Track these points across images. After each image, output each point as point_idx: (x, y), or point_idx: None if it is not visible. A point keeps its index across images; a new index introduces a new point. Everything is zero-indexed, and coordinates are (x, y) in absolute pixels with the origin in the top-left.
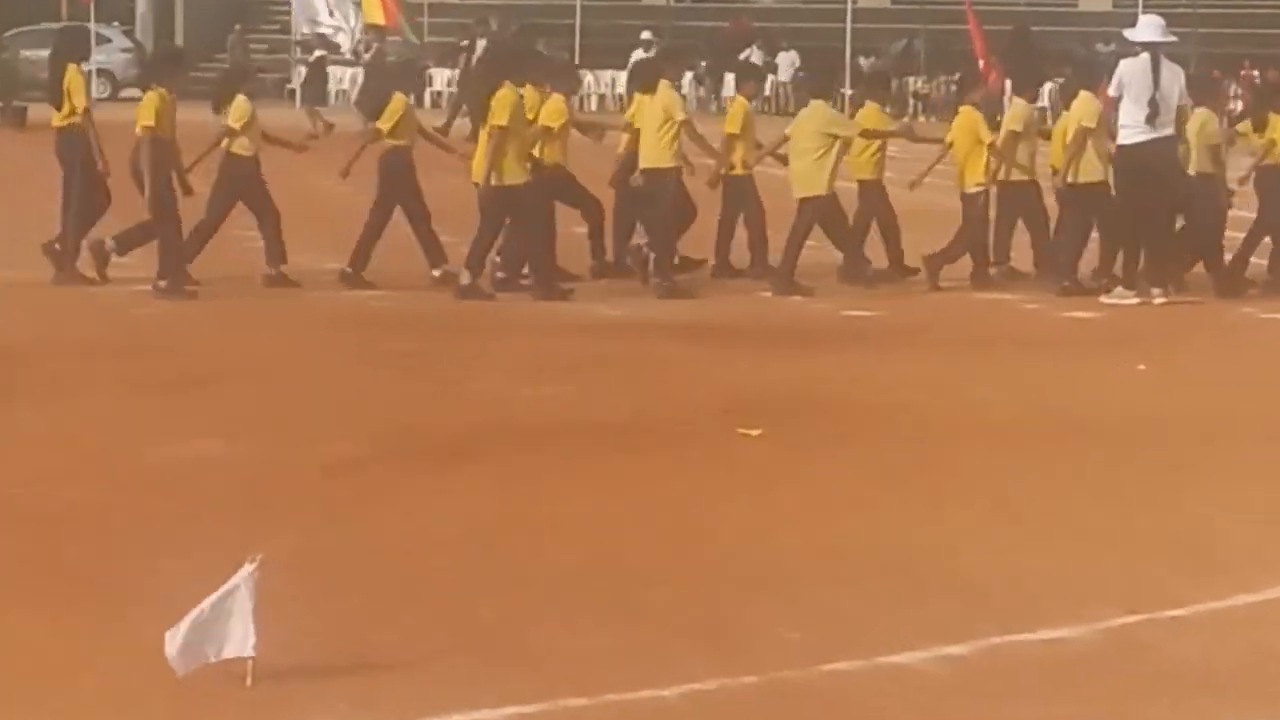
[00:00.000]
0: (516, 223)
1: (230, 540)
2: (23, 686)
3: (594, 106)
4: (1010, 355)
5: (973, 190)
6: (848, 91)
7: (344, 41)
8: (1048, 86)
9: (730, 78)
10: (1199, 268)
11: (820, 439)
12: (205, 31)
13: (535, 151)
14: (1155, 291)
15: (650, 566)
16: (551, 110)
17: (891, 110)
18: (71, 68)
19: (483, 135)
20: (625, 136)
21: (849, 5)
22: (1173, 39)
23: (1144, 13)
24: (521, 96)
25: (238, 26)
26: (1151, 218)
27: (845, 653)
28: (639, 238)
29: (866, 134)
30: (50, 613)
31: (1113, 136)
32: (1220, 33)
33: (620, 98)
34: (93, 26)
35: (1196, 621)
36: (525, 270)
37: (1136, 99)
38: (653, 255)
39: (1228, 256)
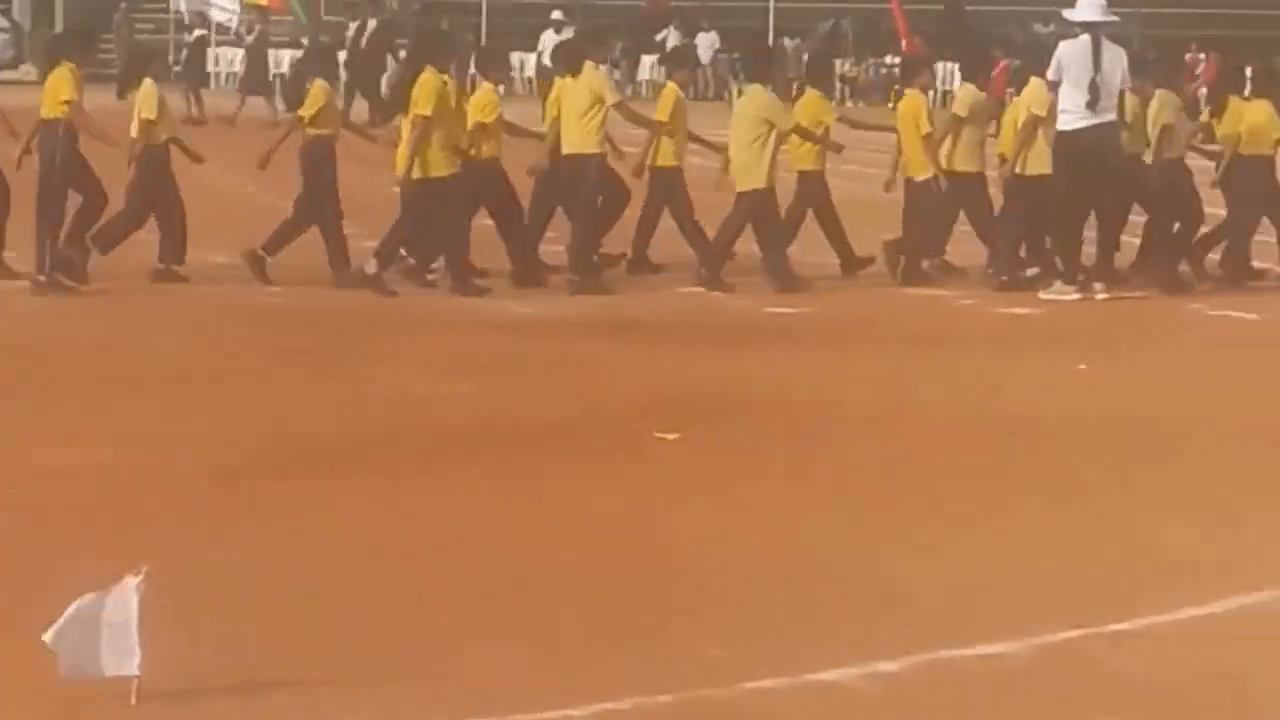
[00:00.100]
0: (438, 216)
1: (114, 553)
2: None
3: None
4: (945, 353)
5: (921, 178)
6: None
7: (228, 21)
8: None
9: (648, 60)
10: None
11: (745, 442)
12: (86, 11)
13: (471, 149)
14: (1098, 286)
15: (563, 581)
16: (485, 103)
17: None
18: None
19: (404, 125)
20: (549, 121)
21: None
22: (1114, 19)
23: None
24: (445, 83)
25: (123, 4)
26: (1097, 208)
27: (770, 669)
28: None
29: (799, 133)
30: None
31: None
32: (1164, 13)
33: (529, 81)
34: None
35: (1141, 635)
36: (434, 265)
37: (1076, 83)
38: (567, 247)
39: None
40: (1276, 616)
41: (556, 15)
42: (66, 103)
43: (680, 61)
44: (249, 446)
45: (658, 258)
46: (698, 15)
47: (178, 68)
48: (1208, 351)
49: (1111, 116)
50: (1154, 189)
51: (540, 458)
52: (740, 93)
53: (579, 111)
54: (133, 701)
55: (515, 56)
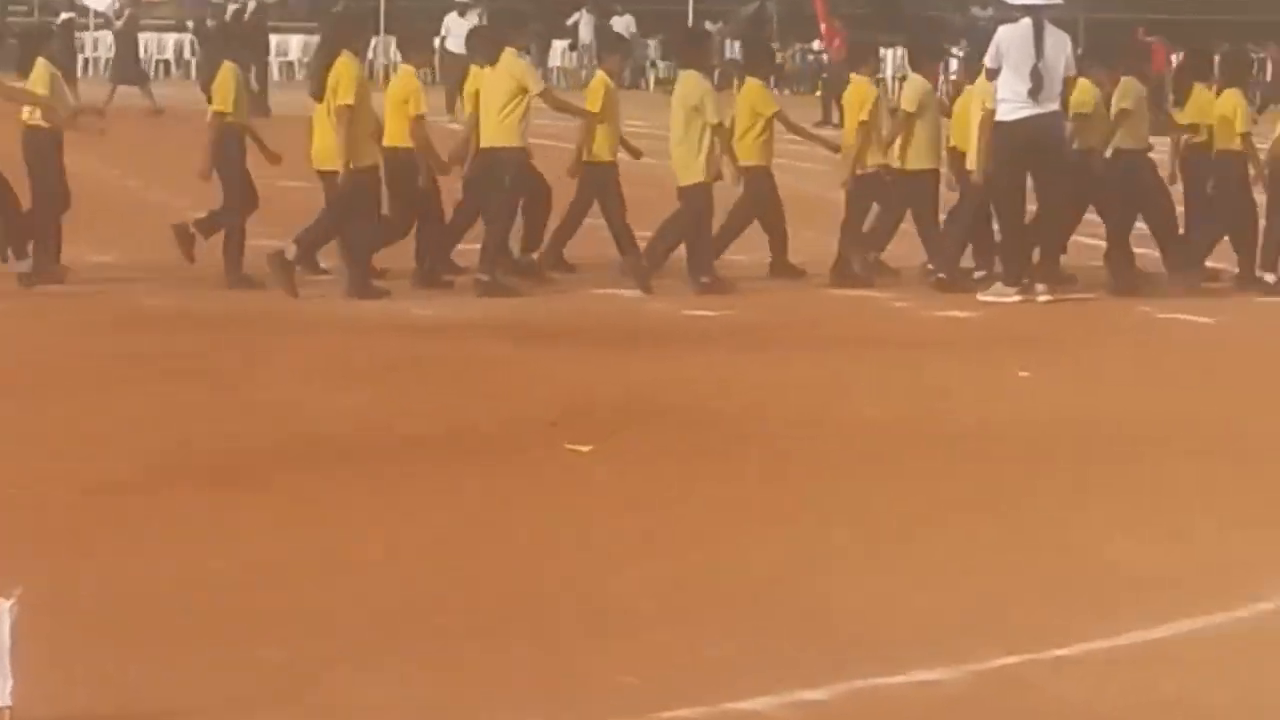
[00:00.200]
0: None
1: None
2: None
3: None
4: (878, 359)
5: (865, 170)
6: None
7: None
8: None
9: (559, 46)
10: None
11: (662, 455)
12: None
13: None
14: (1040, 288)
15: (465, 606)
16: (411, 89)
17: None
18: None
19: (320, 112)
20: (466, 112)
21: None
22: (1057, 2)
23: None
24: (362, 68)
25: None
26: (1040, 203)
27: (688, 699)
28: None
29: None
30: None
31: None
32: None
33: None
34: None
35: (1082, 661)
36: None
37: (1017, 70)
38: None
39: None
40: (1224, 641)
41: None
42: None
43: (612, 47)
44: (126, 461)
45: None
46: None
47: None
48: (1157, 357)
49: (1055, 106)
50: (1111, 183)
51: (440, 472)
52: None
53: (499, 103)
54: None
55: None
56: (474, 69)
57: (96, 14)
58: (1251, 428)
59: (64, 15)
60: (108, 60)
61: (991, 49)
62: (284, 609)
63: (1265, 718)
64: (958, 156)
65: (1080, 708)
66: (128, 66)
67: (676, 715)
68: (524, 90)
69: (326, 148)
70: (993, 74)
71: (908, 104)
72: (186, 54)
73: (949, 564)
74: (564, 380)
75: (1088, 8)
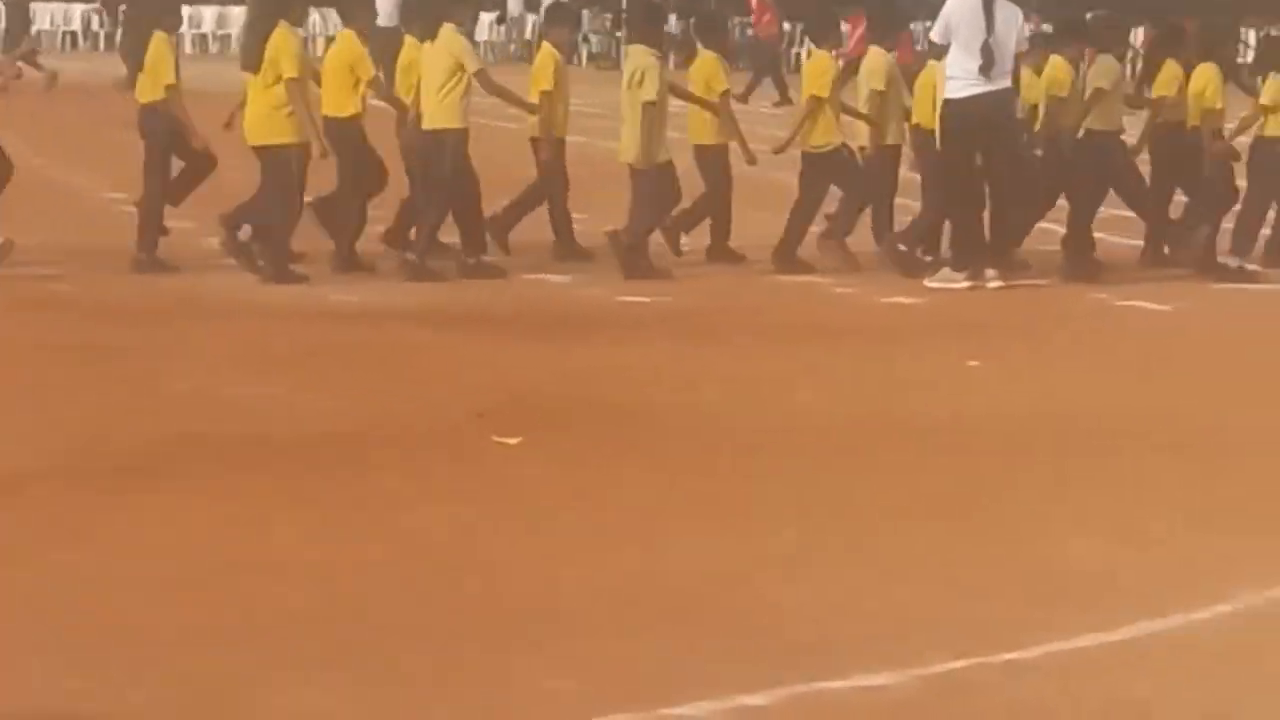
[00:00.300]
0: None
1: None
2: None
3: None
4: (820, 348)
5: (820, 149)
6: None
7: None
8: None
9: (486, 19)
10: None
11: (595, 450)
12: None
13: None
14: (990, 273)
15: (392, 609)
16: (356, 54)
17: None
18: None
19: (255, 85)
20: (408, 89)
21: None
22: None
23: None
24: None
25: None
26: (991, 185)
27: (622, 704)
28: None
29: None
30: None
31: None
32: None
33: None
34: None
35: (1037, 665)
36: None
37: (966, 45)
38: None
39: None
40: (1182, 644)
41: None
42: None
43: (558, 18)
44: (33, 454)
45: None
46: None
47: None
48: (1112, 346)
49: (1006, 83)
50: (1081, 166)
51: (360, 466)
52: (590, 56)
53: (437, 81)
54: None
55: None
56: (409, 41)
57: None
58: (1213, 422)
59: None
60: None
61: (940, 23)
62: (205, 613)
63: None
64: (921, 134)
65: (1034, 713)
66: (17, 36)
67: None
68: (462, 69)
69: (260, 122)
70: (941, 49)
71: (876, 82)
72: (95, 25)
73: (897, 565)
74: (491, 369)
75: None
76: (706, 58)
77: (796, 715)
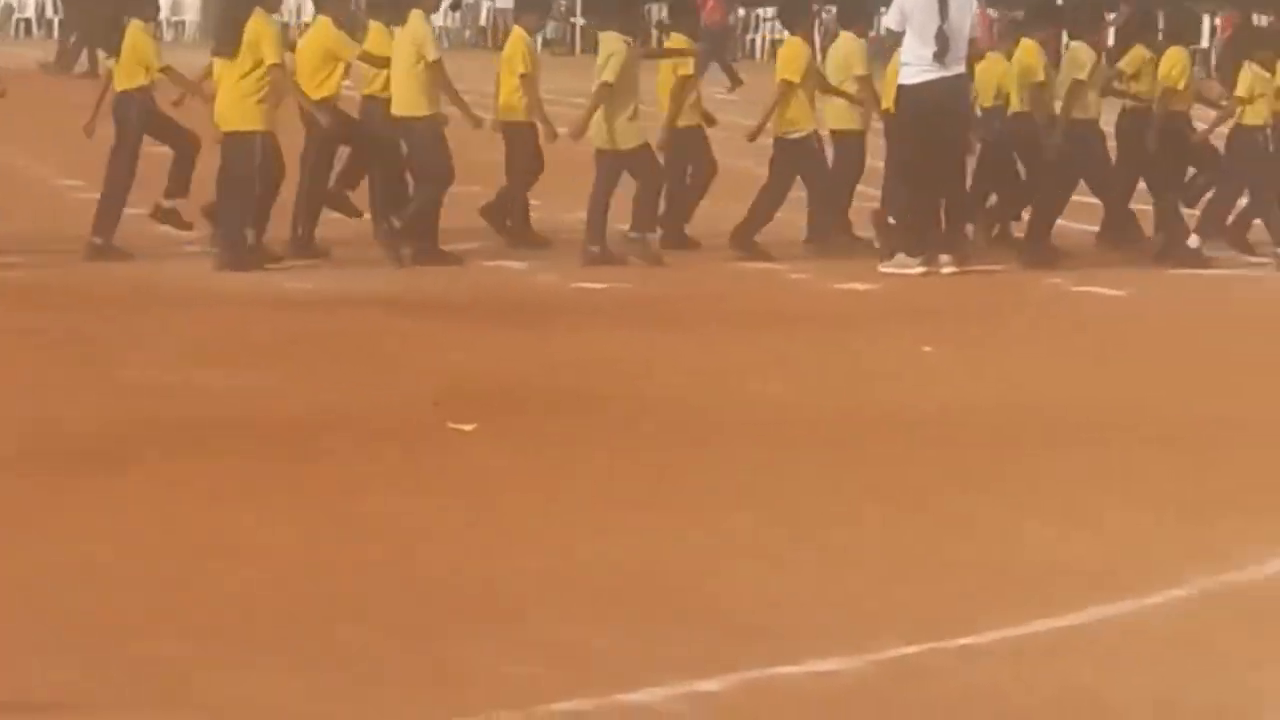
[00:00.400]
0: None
1: None
2: None
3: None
4: (775, 335)
5: (793, 135)
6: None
7: None
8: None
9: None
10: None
11: (550, 437)
12: None
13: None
14: (944, 259)
15: (343, 595)
16: (333, 37)
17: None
18: None
19: (227, 71)
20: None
21: None
22: None
23: None
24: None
25: None
26: (943, 169)
27: (576, 690)
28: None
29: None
30: None
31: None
32: None
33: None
34: None
35: (990, 650)
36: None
37: (921, 32)
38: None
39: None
40: (1133, 630)
41: None
42: None
43: (530, 6)
44: None
45: (462, 227)
46: None
47: None
48: (1068, 331)
49: (961, 69)
50: (1056, 153)
51: (315, 452)
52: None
53: (405, 67)
54: None
55: None
56: (375, 27)
57: None
58: (1168, 408)
59: None
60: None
61: (894, 11)
62: (153, 600)
63: (1174, 707)
64: (890, 120)
65: (989, 698)
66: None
67: (565, 707)
68: (423, 56)
69: (232, 107)
70: (896, 37)
71: (858, 66)
72: (49, 12)
73: (850, 552)
74: (447, 355)
75: None
76: (678, 40)
77: (750, 700)
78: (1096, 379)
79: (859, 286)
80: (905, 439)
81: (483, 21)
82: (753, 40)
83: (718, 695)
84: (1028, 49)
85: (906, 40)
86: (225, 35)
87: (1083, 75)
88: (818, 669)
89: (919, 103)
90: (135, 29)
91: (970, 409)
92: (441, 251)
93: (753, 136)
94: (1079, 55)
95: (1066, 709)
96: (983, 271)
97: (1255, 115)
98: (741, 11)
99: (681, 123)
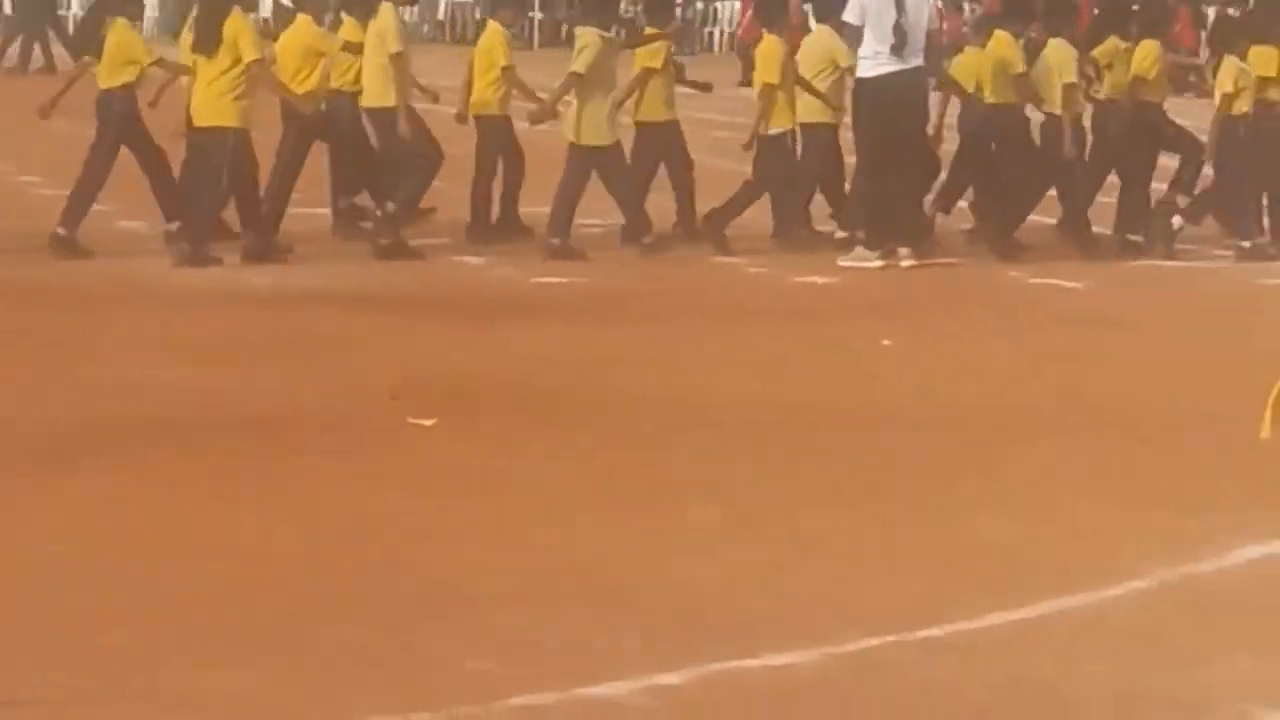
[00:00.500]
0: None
1: None
2: None
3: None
4: (735, 328)
5: (774, 132)
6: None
7: None
8: None
9: None
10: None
11: (510, 432)
12: None
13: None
14: (903, 252)
15: (305, 590)
16: (314, 34)
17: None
18: None
19: (203, 68)
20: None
21: None
22: None
23: None
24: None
25: None
26: (902, 162)
27: (538, 684)
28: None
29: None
30: None
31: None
32: None
33: (266, 21)
34: None
35: (948, 643)
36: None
37: (879, 25)
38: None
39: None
40: (1092, 622)
41: None
42: None
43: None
44: None
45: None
46: None
47: None
48: (1026, 324)
49: (919, 62)
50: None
51: (275, 448)
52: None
53: (377, 60)
54: None
55: None
56: (349, 21)
57: None
58: (1127, 400)
59: None
60: None
61: (853, 4)
62: (116, 596)
63: (1132, 698)
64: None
65: (946, 690)
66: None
67: (527, 701)
68: (387, 49)
69: (209, 104)
70: (855, 30)
71: (842, 58)
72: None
73: (810, 545)
74: (406, 351)
75: None
76: (654, 34)
77: (711, 694)
78: (1057, 372)
79: (818, 280)
80: (864, 432)
81: (440, 15)
82: (711, 34)
83: (679, 688)
84: (1001, 40)
85: (865, 34)
86: (205, 34)
87: (1072, 78)
88: (779, 662)
89: (878, 96)
90: (121, 27)
91: (930, 402)
92: (405, 246)
93: (747, 146)
94: (1063, 57)
95: (1025, 701)
96: (942, 265)
97: (1238, 105)
98: (700, 5)
99: (658, 117)
